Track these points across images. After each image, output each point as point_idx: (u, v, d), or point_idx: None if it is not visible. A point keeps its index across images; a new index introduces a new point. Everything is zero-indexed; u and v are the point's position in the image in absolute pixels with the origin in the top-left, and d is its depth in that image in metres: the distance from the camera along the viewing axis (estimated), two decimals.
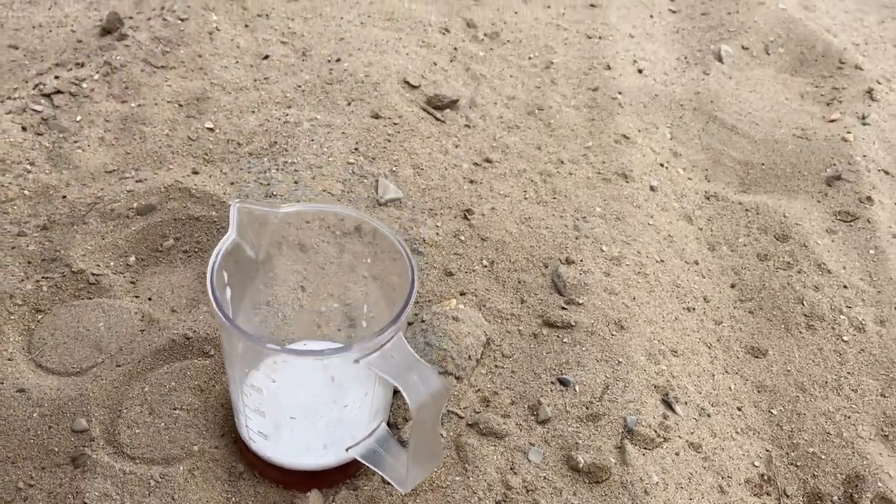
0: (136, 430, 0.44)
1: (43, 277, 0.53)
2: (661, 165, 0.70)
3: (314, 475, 0.42)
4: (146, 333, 0.50)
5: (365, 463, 0.40)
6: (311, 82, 0.74)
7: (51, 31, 0.81)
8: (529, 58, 0.83)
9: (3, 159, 0.62)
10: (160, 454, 0.43)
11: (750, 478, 0.47)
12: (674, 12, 1.00)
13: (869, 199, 0.69)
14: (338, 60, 0.77)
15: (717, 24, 0.95)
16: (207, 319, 0.50)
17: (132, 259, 0.56)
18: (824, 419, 0.51)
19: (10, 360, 0.47)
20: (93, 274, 0.54)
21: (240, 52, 0.79)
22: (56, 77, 0.71)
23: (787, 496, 0.47)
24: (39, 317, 0.51)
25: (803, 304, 0.59)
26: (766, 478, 0.48)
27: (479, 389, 0.48)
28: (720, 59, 0.88)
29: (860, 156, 0.73)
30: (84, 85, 0.71)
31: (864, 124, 0.78)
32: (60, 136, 0.66)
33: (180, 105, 0.71)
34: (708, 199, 0.69)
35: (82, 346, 0.49)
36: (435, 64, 0.78)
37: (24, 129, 0.66)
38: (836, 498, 0.47)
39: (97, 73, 0.72)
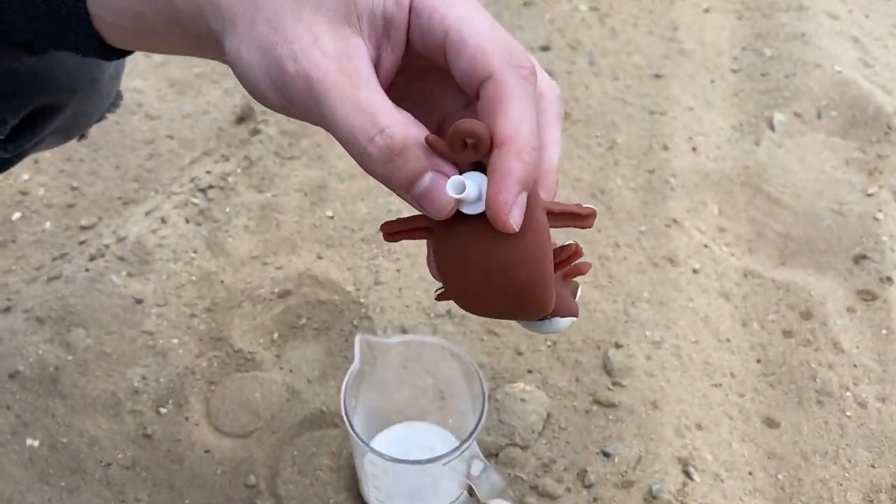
0: (290, 486, 0.61)
1: (213, 355, 0.71)
2: (705, 246, 0.82)
3: None
4: (291, 403, 0.67)
5: None
6: None
7: (197, 120, 0.99)
8: (596, 136, 0.95)
9: (174, 249, 0.80)
10: None
11: None
12: (735, 72, 1.09)
13: (889, 279, 0.79)
14: None
15: (774, 87, 1.04)
16: (335, 395, 0.67)
17: (276, 335, 0.74)
18: (820, 485, 0.64)
19: (196, 425, 0.66)
20: (248, 351, 0.72)
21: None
22: (208, 172, 0.89)
23: None
24: (213, 388, 0.69)
25: (815, 381, 0.71)
26: None
27: (539, 457, 0.63)
28: (772, 128, 0.98)
29: (887, 235, 0.83)
30: (230, 179, 0.88)
31: None
32: (214, 226, 0.84)
33: (305, 194, 0.88)
34: (745, 276, 0.81)
35: (246, 413, 0.67)
36: None
37: (187, 221, 0.84)
38: None
39: (239, 167, 0.90)
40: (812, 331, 0.75)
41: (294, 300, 0.76)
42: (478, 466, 0.50)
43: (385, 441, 0.61)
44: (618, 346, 0.71)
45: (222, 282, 0.78)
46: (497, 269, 0.31)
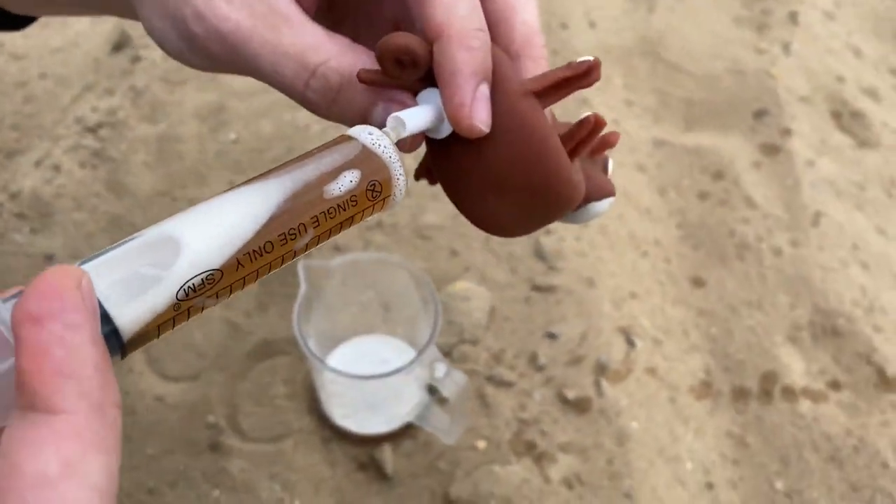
0: (252, 419, 0.61)
1: None
2: (615, 121, 0.84)
3: (384, 435, 0.59)
4: (234, 338, 0.66)
5: (419, 425, 0.58)
6: None
7: (69, 53, 0.91)
8: None
9: (74, 197, 0.76)
10: (272, 434, 0.60)
11: (694, 386, 0.65)
12: None
13: (788, 130, 0.83)
14: None
15: None
16: (277, 322, 0.66)
17: None
18: (749, 332, 0.69)
19: (141, 374, 0.64)
20: None
21: None
22: (93, 109, 0.83)
23: (721, 395, 0.65)
24: None
25: (733, 237, 0.75)
26: (705, 384, 0.65)
27: (489, 349, 0.65)
28: None
29: (782, 88, 0.86)
30: (119, 114, 0.83)
31: (787, 55, 0.90)
32: (112, 166, 0.79)
33: (203, 119, 0.83)
34: (656, 146, 0.83)
35: (190, 355, 0.65)
36: None
37: (82, 165, 0.78)
38: (755, 391, 0.65)
39: (126, 100, 0.84)
40: (725, 190, 0.79)
41: None
42: (441, 369, 0.51)
43: (339, 359, 0.61)
44: (547, 231, 0.73)
45: (133, 224, 0.74)
46: (499, 181, 0.27)
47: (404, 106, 0.27)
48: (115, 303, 0.21)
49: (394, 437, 0.59)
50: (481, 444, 0.60)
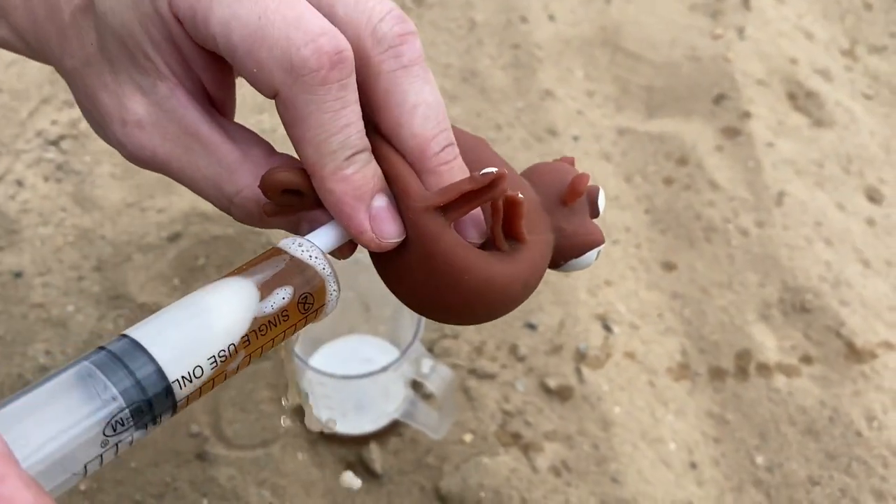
0: (236, 426, 0.60)
1: (117, 314, 0.68)
2: (579, 112, 0.85)
3: (371, 434, 0.59)
4: None
5: (406, 422, 0.58)
6: None
7: (24, 66, 0.89)
8: (455, 18, 0.94)
9: (40, 213, 0.74)
10: (258, 440, 0.60)
11: (671, 367, 0.67)
12: None
13: (747, 113, 0.85)
14: None
15: None
16: None
17: (176, 281, 0.71)
18: (721, 312, 0.70)
19: None
20: (153, 303, 0.68)
21: None
22: (53, 122, 0.81)
23: (699, 375, 0.67)
24: None
25: (700, 220, 0.76)
26: (682, 365, 0.67)
27: (470, 342, 0.66)
28: None
29: (739, 72, 0.88)
30: (81, 126, 0.81)
31: (741, 39, 0.92)
32: (77, 179, 0.77)
33: None
34: (620, 134, 0.84)
35: None
36: None
37: (45, 179, 0.77)
38: (731, 370, 0.67)
39: None
40: (689, 174, 0.80)
41: (186, 241, 0.73)
42: (427, 364, 0.51)
43: (322, 360, 0.61)
44: None
45: (103, 237, 0.73)
46: (419, 294, 0.27)
47: (324, 221, 0.27)
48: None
49: (381, 435, 0.60)
50: (468, 437, 0.60)
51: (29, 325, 0.66)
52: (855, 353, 0.68)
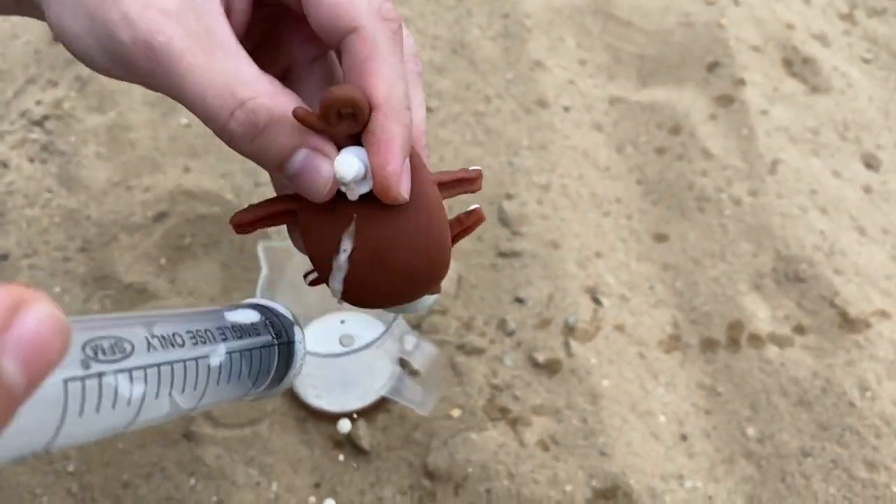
0: (223, 405, 0.60)
1: (104, 294, 0.67)
2: (571, 82, 0.83)
3: (359, 411, 0.59)
4: None
5: (393, 398, 0.57)
6: None
7: (7, 45, 0.88)
8: None
9: (26, 194, 0.74)
10: (245, 419, 0.59)
11: (662, 340, 0.66)
12: None
13: (741, 80, 0.83)
14: None
15: None
16: None
17: (163, 261, 0.70)
18: (713, 283, 0.69)
19: None
20: (139, 283, 0.68)
21: None
22: (38, 102, 0.81)
23: (690, 346, 0.66)
24: None
25: (693, 190, 0.75)
26: (673, 337, 0.66)
27: (459, 318, 0.65)
28: None
29: (733, 39, 0.87)
30: (66, 105, 0.80)
31: (736, 5, 0.90)
32: (63, 159, 0.77)
33: (153, 105, 0.81)
34: (612, 103, 0.83)
35: None
36: None
37: (31, 160, 0.76)
38: (723, 342, 0.66)
39: (72, 90, 0.81)
40: (682, 143, 0.79)
41: (173, 220, 0.72)
42: (410, 341, 0.51)
43: (308, 338, 0.60)
44: (509, 196, 0.73)
45: (89, 217, 0.73)
46: (394, 251, 0.28)
47: (327, 155, 0.27)
48: None
49: (368, 412, 0.59)
50: (455, 412, 0.60)
51: None
52: (849, 323, 0.67)
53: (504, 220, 0.71)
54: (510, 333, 0.64)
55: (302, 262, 0.58)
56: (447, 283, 0.66)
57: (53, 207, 0.73)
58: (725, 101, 0.83)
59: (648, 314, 0.67)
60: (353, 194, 0.27)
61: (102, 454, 0.58)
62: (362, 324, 0.62)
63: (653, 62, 0.87)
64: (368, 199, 0.27)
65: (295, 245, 0.32)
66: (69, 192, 0.74)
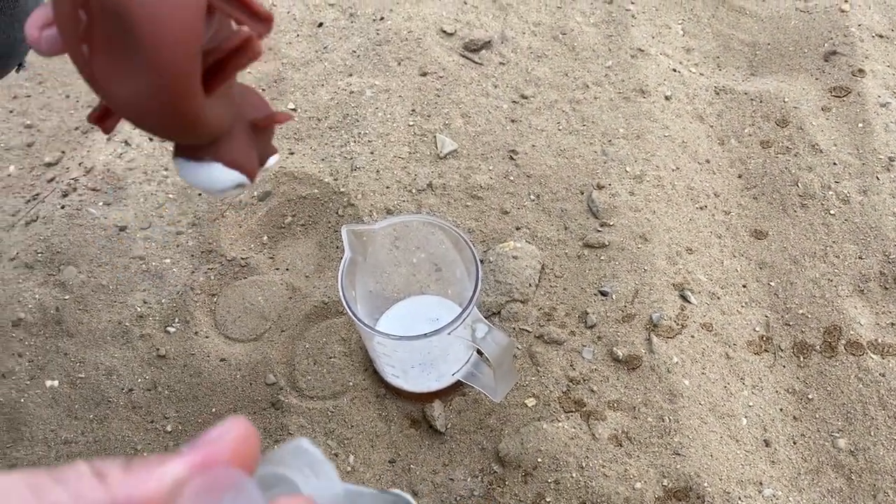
0: (309, 377, 0.63)
1: (208, 268, 0.72)
2: (674, 70, 0.81)
3: (436, 392, 0.60)
4: (293, 300, 0.68)
5: (467, 383, 0.59)
6: (364, 45, 0.87)
7: None
8: None
9: (145, 171, 0.79)
10: (329, 392, 0.62)
11: (752, 340, 0.64)
12: None
13: (861, 71, 0.78)
14: (381, 19, 0.88)
15: None
16: (334, 284, 0.68)
17: (265, 238, 0.74)
18: (812, 285, 0.66)
19: (206, 337, 0.67)
20: (242, 258, 0.72)
21: (297, 23, 0.91)
22: None
23: (782, 350, 0.63)
24: (215, 299, 0.70)
25: (797, 185, 0.72)
26: (764, 338, 0.64)
27: (540, 307, 0.65)
28: None
29: (855, 26, 0.81)
30: None
31: None
32: None
33: (263, 89, 0.85)
34: (717, 94, 0.80)
35: (252, 318, 0.68)
36: (465, 3, 0.89)
37: (150, 139, 0.82)
38: (818, 347, 0.63)
39: None
40: (789, 137, 0.75)
41: (275, 200, 0.76)
42: (482, 329, 0.51)
43: (391, 320, 0.63)
44: (600, 187, 0.72)
45: (200, 195, 0.77)
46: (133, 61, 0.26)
47: None
48: None
49: (445, 393, 0.61)
50: (530, 401, 0.60)
51: (130, 276, 0.71)
52: None
53: (593, 211, 0.70)
54: (591, 326, 0.64)
55: (388, 246, 0.60)
56: (529, 273, 0.66)
57: (168, 185, 0.78)
58: (841, 92, 0.78)
59: (739, 314, 0.65)
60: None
61: (198, 416, 0.62)
62: (446, 307, 0.64)
63: (765, 50, 0.83)
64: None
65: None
66: None
